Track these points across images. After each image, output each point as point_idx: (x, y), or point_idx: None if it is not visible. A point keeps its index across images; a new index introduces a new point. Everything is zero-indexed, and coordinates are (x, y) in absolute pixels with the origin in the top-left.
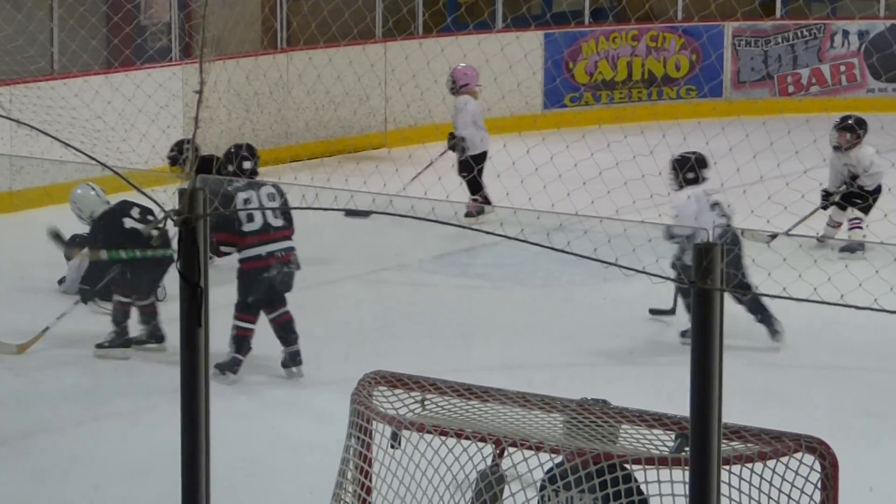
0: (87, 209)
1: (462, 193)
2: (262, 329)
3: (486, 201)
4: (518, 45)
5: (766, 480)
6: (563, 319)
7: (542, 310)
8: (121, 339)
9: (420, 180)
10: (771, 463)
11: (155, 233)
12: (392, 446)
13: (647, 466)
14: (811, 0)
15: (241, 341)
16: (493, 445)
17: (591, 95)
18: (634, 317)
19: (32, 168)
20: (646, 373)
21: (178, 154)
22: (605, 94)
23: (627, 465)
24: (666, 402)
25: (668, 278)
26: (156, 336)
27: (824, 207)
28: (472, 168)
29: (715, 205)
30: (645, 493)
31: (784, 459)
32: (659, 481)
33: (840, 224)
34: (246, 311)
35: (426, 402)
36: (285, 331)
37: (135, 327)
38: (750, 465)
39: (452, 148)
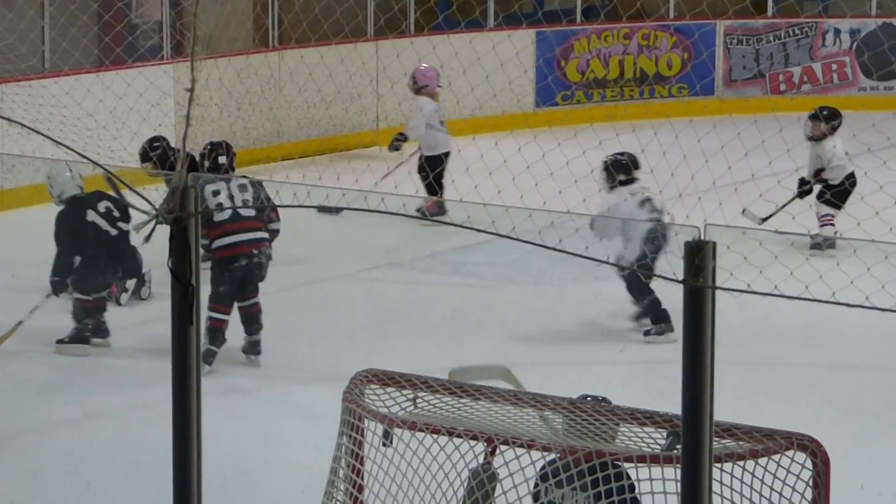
0: (58, 188)
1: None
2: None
3: (441, 208)
4: (510, 43)
5: (758, 478)
6: (554, 317)
7: (534, 308)
8: (80, 335)
9: (394, 177)
10: (762, 461)
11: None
12: (384, 444)
13: (639, 464)
14: None
15: (215, 332)
16: (485, 443)
17: (583, 94)
18: (626, 315)
19: (24, 166)
20: (637, 371)
21: (147, 149)
22: (597, 92)
23: (620, 463)
24: (658, 399)
25: (662, 276)
26: (101, 331)
27: (800, 196)
28: (428, 171)
29: (646, 201)
30: (637, 490)
31: (776, 457)
32: (651, 479)
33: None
34: (218, 301)
35: (418, 401)
36: (251, 321)
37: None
38: (742, 463)
39: (395, 149)
